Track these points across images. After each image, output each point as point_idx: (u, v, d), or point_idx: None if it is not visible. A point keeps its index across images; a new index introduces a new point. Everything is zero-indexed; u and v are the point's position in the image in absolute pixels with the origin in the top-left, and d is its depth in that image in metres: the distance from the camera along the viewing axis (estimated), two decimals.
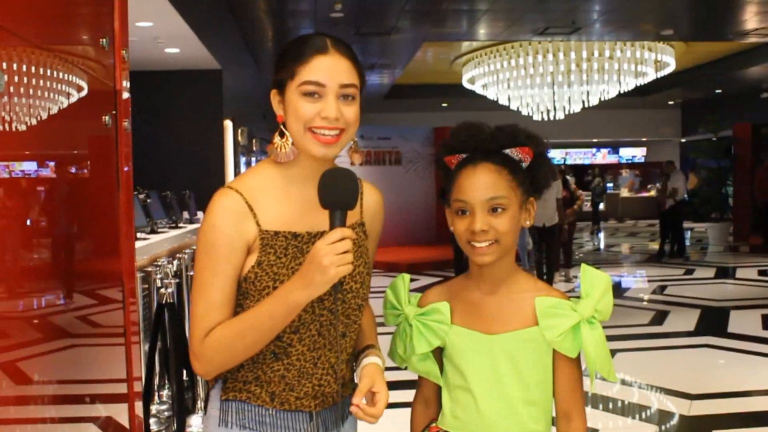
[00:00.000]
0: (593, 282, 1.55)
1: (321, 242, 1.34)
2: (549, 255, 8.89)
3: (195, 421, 3.78)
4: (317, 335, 1.48)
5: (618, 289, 9.06)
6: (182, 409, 3.54)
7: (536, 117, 14.12)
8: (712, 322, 7.06)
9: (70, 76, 1.46)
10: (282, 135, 1.47)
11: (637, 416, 4.45)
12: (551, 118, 14.04)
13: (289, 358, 1.47)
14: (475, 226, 1.50)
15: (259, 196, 1.46)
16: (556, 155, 24.10)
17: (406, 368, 1.64)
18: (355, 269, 1.50)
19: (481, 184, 1.51)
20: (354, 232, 1.51)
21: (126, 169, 1.73)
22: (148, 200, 5.04)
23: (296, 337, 1.46)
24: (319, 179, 1.39)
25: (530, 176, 1.57)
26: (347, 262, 1.34)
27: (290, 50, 1.45)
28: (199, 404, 3.95)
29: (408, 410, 1.71)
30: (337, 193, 1.38)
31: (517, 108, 14.19)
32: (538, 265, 8.94)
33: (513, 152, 1.55)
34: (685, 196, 12.23)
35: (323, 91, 1.41)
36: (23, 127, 1.23)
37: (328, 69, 1.41)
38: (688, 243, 14.52)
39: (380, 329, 1.61)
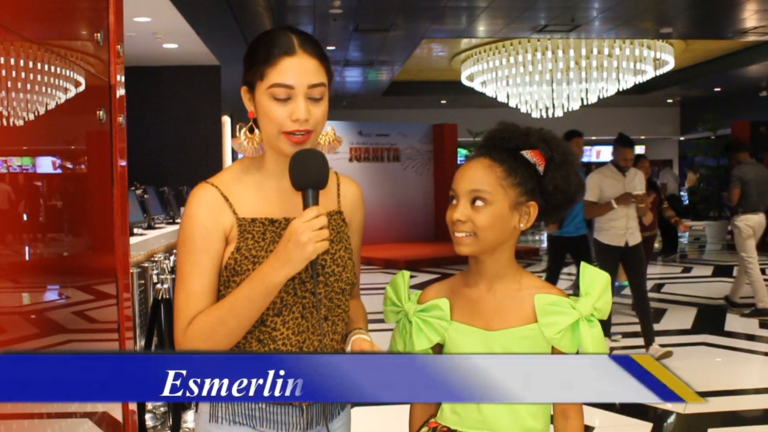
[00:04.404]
0: (593, 280, 1.55)
1: (297, 220, 1.38)
2: (637, 293, 5.71)
3: (191, 417, 3.78)
4: (300, 318, 1.50)
5: (615, 287, 9.06)
6: (178, 404, 3.54)
7: (535, 114, 14.13)
8: (709, 320, 7.07)
9: (65, 71, 1.45)
10: (252, 131, 1.52)
11: (633, 414, 4.45)
12: (550, 115, 14.05)
13: (275, 343, 1.48)
14: (454, 214, 1.53)
15: (235, 188, 1.52)
16: None
17: None
18: (336, 253, 1.54)
19: (468, 175, 1.54)
20: (333, 219, 1.56)
21: (121, 164, 1.72)
22: (146, 196, 5.04)
23: (279, 320, 1.48)
24: (289, 162, 1.43)
25: (542, 182, 1.55)
26: (324, 238, 1.37)
27: (258, 50, 1.47)
28: None
29: (407, 408, 1.71)
30: (307, 173, 1.41)
31: (516, 105, 14.20)
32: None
33: (527, 154, 1.54)
34: (677, 192, 12.26)
35: (292, 93, 1.44)
36: (16, 122, 1.22)
37: (296, 71, 1.43)
38: (685, 241, 14.53)
39: (380, 326, 1.61)
